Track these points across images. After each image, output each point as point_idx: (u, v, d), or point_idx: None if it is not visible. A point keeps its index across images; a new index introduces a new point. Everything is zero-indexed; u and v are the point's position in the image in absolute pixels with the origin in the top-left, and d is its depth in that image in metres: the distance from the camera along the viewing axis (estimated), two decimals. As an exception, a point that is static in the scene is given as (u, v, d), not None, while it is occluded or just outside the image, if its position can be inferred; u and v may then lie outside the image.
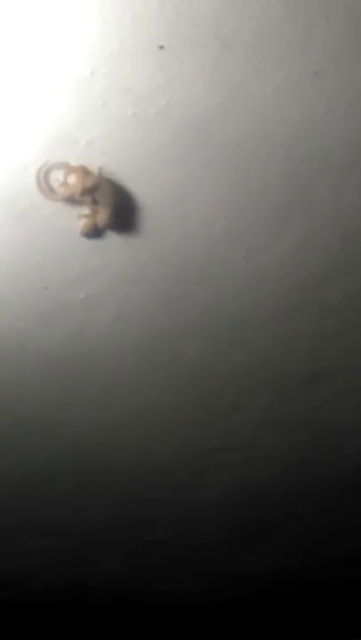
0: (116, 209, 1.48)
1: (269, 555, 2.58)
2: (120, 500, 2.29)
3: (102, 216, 1.48)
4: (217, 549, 2.56)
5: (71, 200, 1.45)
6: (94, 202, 1.46)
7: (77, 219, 1.50)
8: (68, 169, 1.42)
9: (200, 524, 2.42)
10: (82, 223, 1.50)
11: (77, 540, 2.46)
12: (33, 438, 2.03)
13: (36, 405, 1.92)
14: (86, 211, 1.49)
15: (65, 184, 1.44)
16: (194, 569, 2.67)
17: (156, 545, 2.51)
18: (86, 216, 1.50)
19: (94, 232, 1.51)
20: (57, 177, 1.44)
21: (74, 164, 1.42)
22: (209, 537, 2.49)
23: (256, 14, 1.27)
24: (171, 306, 1.70)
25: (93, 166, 1.43)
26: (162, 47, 1.29)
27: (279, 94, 1.37)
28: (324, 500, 2.35)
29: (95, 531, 2.41)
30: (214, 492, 2.28)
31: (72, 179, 1.43)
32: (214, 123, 1.40)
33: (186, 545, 2.52)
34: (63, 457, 2.09)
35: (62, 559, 2.56)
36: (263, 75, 1.34)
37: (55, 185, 1.45)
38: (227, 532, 2.46)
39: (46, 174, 1.43)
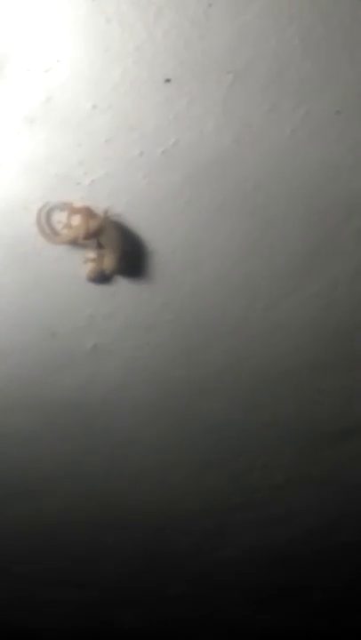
0: (123, 253, 1.37)
1: (289, 615, 2.41)
2: (138, 554, 2.17)
3: (109, 261, 1.38)
4: (236, 606, 2.41)
5: (75, 243, 1.35)
6: (100, 246, 1.36)
7: (83, 262, 1.40)
8: (72, 210, 1.33)
9: (219, 581, 2.28)
10: (88, 268, 1.40)
11: (95, 593, 2.35)
12: (48, 489, 1.94)
13: (49, 455, 1.82)
14: (92, 254, 1.38)
15: (68, 226, 1.34)
16: (212, 624, 2.52)
17: (175, 599, 2.37)
18: (92, 260, 1.40)
19: (102, 277, 1.41)
20: (59, 218, 1.34)
21: (77, 204, 1.32)
22: (228, 594, 2.35)
23: (272, 47, 1.16)
24: (186, 358, 1.59)
25: (98, 208, 1.33)
26: (169, 80, 1.18)
27: (298, 134, 1.25)
28: (351, 563, 2.18)
29: (113, 583, 2.29)
30: (234, 550, 2.14)
31: (76, 220, 1.34)
32: (227, 163, 1.29)
33: (205, 601, 2.38)
34: (79, 508, 1.99)
35: (80, 611, 2.44)
36: (280, 112, 1.23)
37: (58, 227, 1.34)
38: (246, 591, 2.32)
39: (48, 215, 1.34)
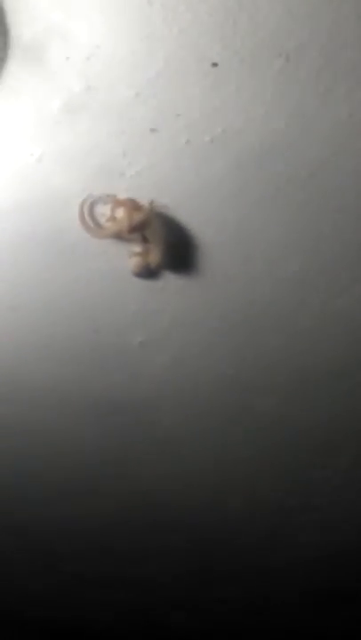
0: (169, 247, 1.30)
1: (346, 621, 2.34)
2: (189, 554, 2.11)
3: (155, 255, 1.31)
4: (290, 610, 2.34)
5: (119, 237, 1.29)
6: (145, 239, 1.29)
7: (128, 257, 1.34)
8: (115, 202, 1.27)
9: (274, 583, 2.22)
10: (133, 262, 1.34)
11: (144, 595, 2.30)
12: (96, 487, 1.89)
13: (93, 453, 1.77)
14: (137, 248, 1.32)
15: (112, 219, 1.28)
16: (265, 628, 2.47)
17: (228, 602, 2.32)
18: (138, 254, 1.34)
19: (147, 272, 1.35)
20: (103, 211, 1.28)
21: (121, 196, 1.26)
22: (282, 597, 2.28)
23: (326, 27, 1.08)
24: (236, 354, 1.52)
25: (143, 199, 1.26)
26: (215, 64, 1.11)
27: (356, 118, 1.16)
28: None
29: (163, 584, 2.24)
30: (291, 551, 2.07)
31: (119, 213, 1.27)
32: (278, 151, 1.22)
33: (260, 604, 2.32)
34: (128, 508, 1.94)
35: (128, 613, 2.40)
36: (336, 96, 1.15)
37: (101, 220, 1.29)
38: (301, 595, 2.25)
39: (90, 209, 1.28)
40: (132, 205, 1.28)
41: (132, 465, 1.81)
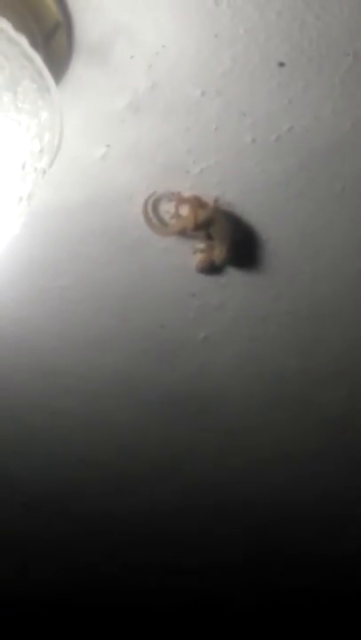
0: (235, 244, 1.30)
1: None
2: (252, 544, 2.12)
3: (219, 252, 1.31)
4: (358, 602, 2.34)
5: (183, 234, 1.29)
6: (209, 236, 1.29)
7: (193, 253, 1.34)
8: (180, 200, 1.27)
9: (337, 573, 2.21)
10: (198, 259, 1.34)
11: (204, 581, 2.32)
12: (156, 479, 1.90)
13: (157, 445, 1.79)
14: (202, 245, 1.32)
15: (176, 216, 1.28)
16: (331, 618, 2.47)
17: (289, 591, 2.32)
18: (202, 251, 1.33)
19: (212, 268, 1.34)
20: (167, 208, 1.28)
21: (186, 193, 1.26)
22: (347, 587, 2.27)
23: (396, 25, 1.04)
24: (301, 349, 1.51)
25: (208, 197, 1.26)
26: (282, 64, 1.10)
27: None
28: None
29: (224, 572, 2.26)
30: (354, 543, 2.06)
31: (184, 210, 1.27)
32: (346, 149, 1.20)
33: (321, 594, 2.32)
34: (192, 497, 1.95)
35: (186, 602, 2.43)
36: None
37: (166, 217, 1.29)
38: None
39: (155, 206, 1.28)
40: (197, 203, 1.27)
41: (194, 457, 1.82)
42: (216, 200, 1.26)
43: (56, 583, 2.40)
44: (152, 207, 1.28)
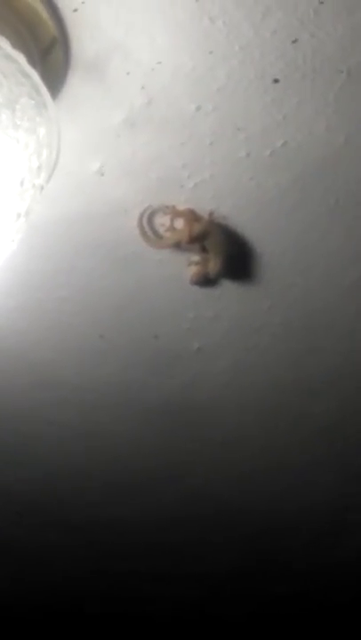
0: (229, 257, 1.31)
1: None
2: (250, 553, 2.13)
3: (214, 265, 1.32)
4: (351, 609, 2.35)
5: (178, 247, 1.30)
6: (204, 249, 1.30)
7: (187, 266, 1.35)
8: (175, 213, 1.28)
9: (330, 582, 2.22)
10: (192, 271, 1.35)
11: (200, 589, 2.33)
12: (151, 489, 1.91)
13: (150, 456, 1.80)
14: (196, 258, 1.33)
15: (171, 229, 1.29)
16: (325, 626, 2.47)
17: (282, 599, 2.33)
18: (197, 263, 1.35)
19: (206, 280, 1.35)
20: (162, 222, 1.29)
21: (181, 207, 1.27)
22: (338, 596, 2.28)
23: (389, 42, 1.06)
24: (294, 360, 1.53)
25: (203, 210, 1.27)
26: (277, 81, 1.11)
27: None
28: None
29: (219, 581, 2.27)
30: (347, 551, 2.07)
31: (179, 223, 1.28)
32: (339, 164, 1.22)
33: (314, 602, 2.33)
34: (185, 508, 1.96)
35: (182, 610, 2.43)
36: None
37: (161, 230, 1.30)
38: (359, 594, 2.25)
39: (150, 219, 1.29)
40: (192, 216, 1.28)
41: (189, 467, 1.83)
42: (211, 213, 1.28)
43: (52, 592, 2.41)
44: (147, 220, 1.29)
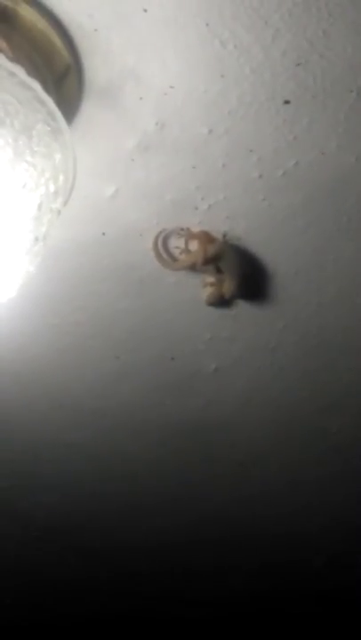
0: (243, 277, 1.32)
1: None
2: (266, 572, 2.12)
3: (229, 285, 1.34)
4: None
5: (193, 269, 1.31)
6: (219, 270, 1.32)
7: (202, 287, 1.36)
8: (189, 235, 1.29)
9: (350, 600, 2.21)
10: (207, 292, 1.36)
11: (217, 611, 2.31)
12: (169, 512, 1.91)
13: (169, 480, 1.80)
14: (211, 279, 1.34)
15: (186, 251, 1.30)
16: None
17: (302, 617, 2.32)
18: (212, 285, 1.36)
19: (221, 301, 1.36)
20: (177, 244, 1.31)
21: (195, 229, 1.28)
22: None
23: None
24: (310, 378, 1.53)
25: (217, 232, 1.28)
26: (288, 102, 1.13)
27: None
28: None
29: (237, 599, 2.26)
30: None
31: (194, 245, 1.30)
32: (351, 183, 1.23)
33: (333, 621, 2.31)
34: (206, 529, 1.96)
35: (201, 631, 2.42)
36: None
37: (175, 252, 1.31)
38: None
39: (165, 241, 1.30)
40: (206, 238, 1.29)
41: (207, 488, 1.83)
42: (224, 235, 1.29)
43: (70, 614, 2.39)
44: (162, 243, 1.30)
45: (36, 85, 0.96)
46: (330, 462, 1.72)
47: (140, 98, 1.12)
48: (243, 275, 1.32)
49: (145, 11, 1.01)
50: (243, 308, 1.40)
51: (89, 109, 1.14)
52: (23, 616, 2.39)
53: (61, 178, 1.01)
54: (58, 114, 0.98)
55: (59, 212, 1.04)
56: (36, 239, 1.01)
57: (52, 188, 1.00)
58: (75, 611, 2.36)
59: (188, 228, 1.28)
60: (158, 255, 1.31)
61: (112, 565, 2.13)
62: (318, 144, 1.17)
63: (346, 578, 2.12)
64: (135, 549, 2.05)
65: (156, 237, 1.29)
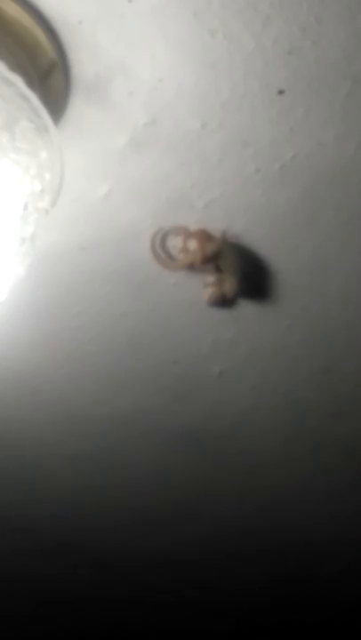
0: (244, 276, 1.28)
1: None
2: (278, 581, 2.08)
3: (229, 285, 1.30)
4: None
5: (192, 268, 1.27)
6: (219, 269, 1.28)
7: (203, 287, 1.32)
8: (187, 234, 1.25)
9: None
10: (208, 293, 1.33)
11: (230, 623, 2.28)
12: (177, 521, 1.87)
13: (175, 489, 1.76)
14: (211, 278, 1.31)
15: (184, 250, 1.26)
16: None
17: (315, 626, 2.27)
18: (212, 284, 1.32)
19: (223, 302, 1.33)
20: (175, 243, 1.27)
21: (193, 228, 1.24)
22: None
23: (394, 46, 1.03)
24: (317, 379, 1.49)
25: (215, 230, 1.24)
26: (282, 92, 1.09)
27: None
28: None
29: (251, 612, 2.22)
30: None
31: (192, 244, 1.26)
32: (352, 175, 1.19)
33: (349, 629, 2.27)
34: (214, 539, 1.92)
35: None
36: None
37: (174, 252, 1.27)
38: None
39: (162, 241, 1.27)
40: (204, 236, 1.26)
41: (214, 497, 1.79)
42: (223, 232, 1.25)
43: (79, 628, 2.36)
44: (159, 243, 1.27)
45: (19, 81, 0.93)
46: (339, 469, 1.68)
47: (130, 92, 1.09)
48: (244, 273, 1.28)
49: (129, 1, 0.98)
50: (245, 308, 1.37)
51: (77, 106, 1.11)
52: (36, 630, 2.36)
53: (48, 176, 0.98)
54: (42, 110, 0.96)
55: (47, 212, 1.01)
56: (23, 240, 0.98)
57: (38, 186, 0.98)
58: (86, 624, 2.33)
59: (185, 227, 1.24)
60: (156, 255, 1.27)
61: (121, 577, 2.10)
62: (315, 135, 1.14)
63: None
64: (146, 561, 2.02)
65: (153, 237, 1.26)
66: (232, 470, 1.71)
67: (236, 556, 1.99)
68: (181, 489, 1.77)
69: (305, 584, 2.09)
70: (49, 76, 1.06)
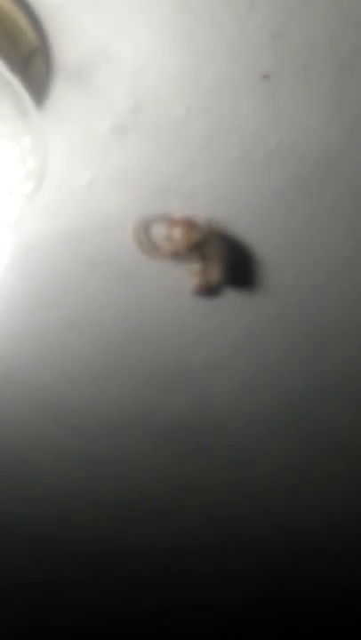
0: (229, 264, 1.27)
1: None
2: (269, 575, 2.07)
3: (214, 273, 1.28)
4: None
5: (177, 257, 1.26)
6: (204, 257, 1.26)
7: (188, 276, 1.31)
8: (171, 222, 1.24)
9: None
10: (193, 281, 1.31)
11: (220, 618, 2.27)
12: (166, 515, 1.86)
13: (164, 483, 1.75)
14: (196, 267, 1.29)
15: (169, 239, 1.25)
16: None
17: (311, 625, 2.27)
18: (197, 273, 1.30)
19: (208, 290, 1.31)
20: (159, 231, 1.25)
21: (177, 215, 1.23)
22: None
23: (381, 29, 1.02)
24: (305, 368, 1.48)
25: (200, 217, 1.23)
26: (267, 76, 1.07)
27: None
28: None
29: (241, 607, 2.21)
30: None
31: (176, 233, 1.24)
32: (337, 160, 1.18)
33: (348, 628, 2.26)
34: (202, 532, 1.91)
35: (205, 637, 2.37)
36: (395, 102, 1.09)
37: (157, 240, 1.26)
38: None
39: (146, 229, 1.25)
40: (189, 224, 1.24)
41: (204, 491, 1.78)
42: (208, 220, 1.24)
43: (69, 624, 2.35)
44: (143, 231, 1.25)
45: (0, 65, 0.91)
46: (330, 460, 1.67)
47: (113, 77, 1.07)
48: (229, 261, 1.27)
49: (112, -16, 0.96)
50: (231, 297, 1.36)
51: (59, 91, 1.09)
52: (23, 624, 2.34)
53: (30, 161, 0.97)
54: (24, 95, 0.94)
55: (30, 198, 0.99)
56: (7, 226, 0.96)
57: (20, 171, 0.96)
58: (75, 618, 2.31)
59: (169, 215, 1.22)
60: (140, 244, 1.26)
61: (109, 571, 2.09)
62: (302, 120, 1.13)
63: (350, 581, 2.07)
64: (133, 554, 2.01)
65: (137, 225, 1.24)
66: (221, 464, 1.70)
67: (225, 548, 1.97)
68: (169, 485, 1.76)
69: (296, 574, 2.08)
70: (30, 61, 1.04)
